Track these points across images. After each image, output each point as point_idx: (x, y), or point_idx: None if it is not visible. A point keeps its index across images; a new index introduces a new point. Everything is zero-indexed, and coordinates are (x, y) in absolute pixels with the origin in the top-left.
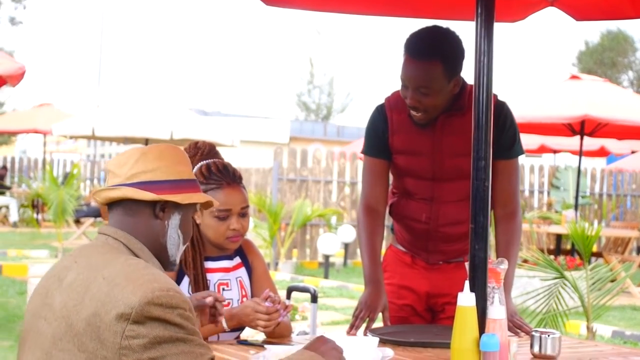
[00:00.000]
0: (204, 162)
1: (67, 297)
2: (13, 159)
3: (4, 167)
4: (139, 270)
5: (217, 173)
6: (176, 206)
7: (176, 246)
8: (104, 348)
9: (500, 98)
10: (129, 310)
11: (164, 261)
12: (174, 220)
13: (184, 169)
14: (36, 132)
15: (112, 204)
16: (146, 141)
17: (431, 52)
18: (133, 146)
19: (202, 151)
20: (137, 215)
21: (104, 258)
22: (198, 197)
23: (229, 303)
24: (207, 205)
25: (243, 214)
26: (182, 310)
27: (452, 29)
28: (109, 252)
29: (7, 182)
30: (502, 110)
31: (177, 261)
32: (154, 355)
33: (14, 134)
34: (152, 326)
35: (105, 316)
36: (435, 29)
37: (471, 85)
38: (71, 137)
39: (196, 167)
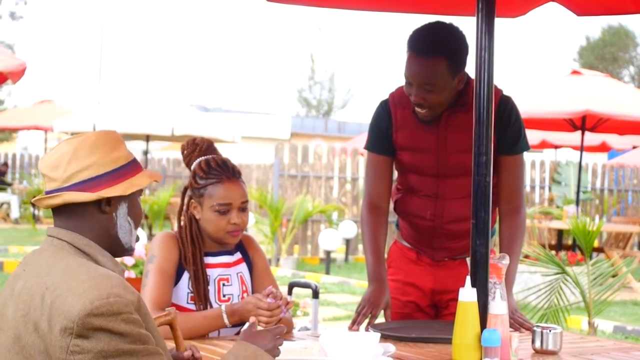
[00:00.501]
0: (203, 157)
1: (16, 307)
2: (14, 156)
3: (5, 164)
4: (78, 277)
5: (217, 168)
6: (121, 196)
7: (128, 233)
8: None
9: (507, 93)
10: (71, 324)
11: (119, 250)
12: (122, 209)
13: (119, 154)
14: (37, 128)
15: (56, 208)
16: (147, 137)
17: (435, 49)
18: (134, 146)
19: (200, 147)
20: (83, 215)
21: (47, 263)
22: (140, 181)
23: (229, 298)
24: (153, 178)
25: (243, 209)
26: (126, 315)
27: (455, 24)
28: (52, 255)
29: (9, 178)
30: (507, 105)
31: (133, 246)
32: None
33: (15, 130)
34: (96, 339)
35: (51, 330)
36: (439, 24)
37: None
38: (72, 134)
39: (195, 163)
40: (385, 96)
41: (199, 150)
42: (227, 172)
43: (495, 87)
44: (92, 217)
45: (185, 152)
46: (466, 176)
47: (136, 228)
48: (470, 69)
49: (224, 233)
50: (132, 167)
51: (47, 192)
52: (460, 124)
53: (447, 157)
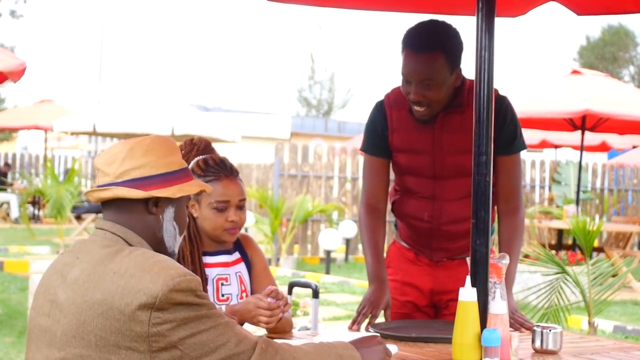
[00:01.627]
0: (201, 156)
1: (74, 293)
2: (14, 155)
3: (7, 164)
4: (149, 259)
5: (215, 166)
6: (169, 199)
7: (173, 238)
8: (129, 339)
9: (501, 93)
10: (152, 299)
11: (162, 253)
12: (169, 213)
13: (173, 160)
14: (37, 128)
15: (105, 203)
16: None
17: (433, 44)
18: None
19: (198, 147)
20: (131, 212)
21: (107, 252)
22: (190, 187)
23: (228, 298)
24: (202, 188)
25: (241, 207)
26: (200, 292)
27: (448, 22)
28: (110, 247)
29: (9, 178)
30: (502, 105)
31: (176, 252)
32: (184, 335)
33: (15, 130)
34: (175, 310)
35: (126, 308)
36: (433, 22)
37: (470, 81)
38: (72, 134)
39: (193, 162)
40: (382, 97)
41: (196, 150)
42: (224, 170)
43: None
44: (140, 215)
45: (182, 152)
46: (463, 177)
47: (180, 234)
48: (470, 68)
49: (222, 231)
50: (184, 174)
51: (99, 186)
52: (456, 125)
53: (443, 159)
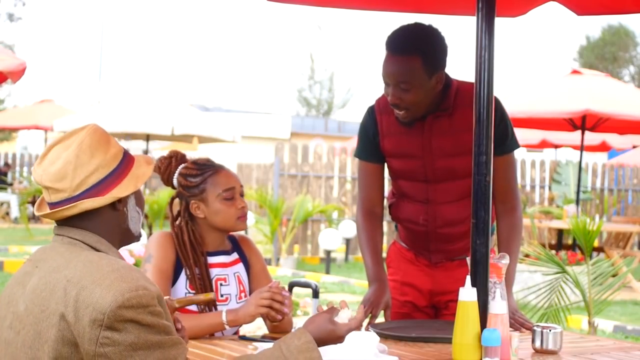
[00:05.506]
0: (183, 164)
1: (32, 303)
2: (14, 155)
3: (7, 164)
4: (102, 269)
5: (206, 162)
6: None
7: (138, 221)
8: (79, 353)
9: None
10: (101, 316)
11: (129, 240)
12: (131, 202)
13: (115, 150)
14: (37, 128)
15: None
16: (147, 137)
17: (410, 47)
18: (135, 145)
19: (175, 157)
20: (96, 216)
21: (63, 257)
22: (143, 171)
23: (227, 298)
24: (149, 163)
25: (242, 194)
26: (153, 307)
27: (434, 25)
28: (67, 252)
29: (9, 177)
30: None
31: (141, 233)
32: None
33: (15, 130)
34: (126, 331)
35: (77, 322)
36: (415, 25)
37: (458, 83)
38: None
39: (179, 170)
40: (373, 102)
41: (175, 161)
42: (215, 164)
43: None
44: (106, 216)
45: (161, 168)
46: (455, 180)
47: (143, 214)
48: (470, 69)
49: (235, 220)
50: (128, 159)
51: (57, 203)
52: (444, 129)
53: (434, 162)
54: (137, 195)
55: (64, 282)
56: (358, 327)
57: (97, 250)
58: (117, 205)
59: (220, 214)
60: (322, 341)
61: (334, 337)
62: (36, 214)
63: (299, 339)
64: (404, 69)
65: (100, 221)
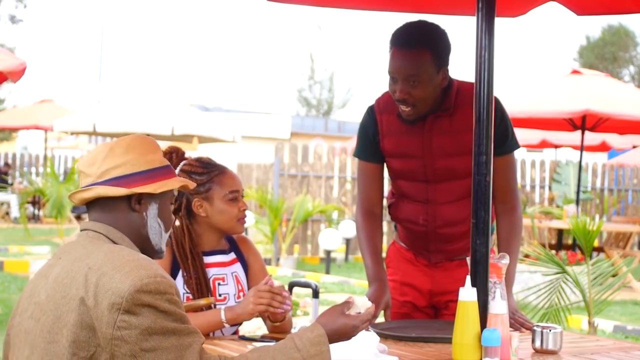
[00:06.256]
0: (185, 160)
1: (53, 290)
2: (14, 155)
3: (7, 164)
4: (123, 257)
5: (210, 162)
6: (152, 196)
7: (159, 235)
8: (97, 337)
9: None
10: (119, 299)
11: (150, 250)
12: (152, 210)
13: (154, 157)
14: (37, 128)
15: (90, 203)
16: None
17: (419, 41)
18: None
19: (176, 153)
20: (114, 210)
21: (86, 249)
22: (172, 183)
23: (225, 298)
24: (185, 188)
25: (243, 196)
26: (170, 295)
27: (437, 23)
28: (90, 244)
29: (9, 178)
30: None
31: (163, 249)
32: (146, 347)
33: (15, 130)
34: (143, 316)
35: (96, 306)
36: (421, 22)
37: (459, 83)
38: (72, 133)
39: (182, 165)
40: (373, 102)
41: (176, 156)
42: (218, 165)
43: None
44: (123, 213)
45: None
46: (455, 180)
47: (166, 231)
48: (470, 69)
49: (235, 221)
50: (165, 171)
51: (82, 187)
52: (445, 129)
53: (434, 162)
54: (162, 207)
55: (86, 269)
56: (370, 318)
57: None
58: (135, 205)
59: (223, 214)
60: (336, 333)
61: (348, 328)
62: (68, 195)
63: (311, 332)
64: (414, 63)
65: (121, 218)
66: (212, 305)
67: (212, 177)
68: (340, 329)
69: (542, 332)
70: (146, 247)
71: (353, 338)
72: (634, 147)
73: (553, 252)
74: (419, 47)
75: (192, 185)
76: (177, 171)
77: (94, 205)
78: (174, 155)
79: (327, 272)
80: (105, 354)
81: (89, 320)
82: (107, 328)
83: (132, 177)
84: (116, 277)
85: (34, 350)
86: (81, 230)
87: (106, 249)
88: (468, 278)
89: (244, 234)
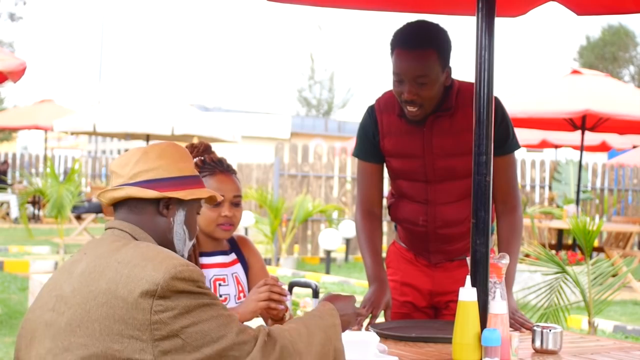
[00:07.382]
0: (200, 157)
1: (80, 284)
2: (14, 155)
3: (5, 162)
4: (153, 250)
5: (211, 162)
6: (180, 202)
7: (183, 241)
8: (132, 327)
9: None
10: (154, 287)
11: None
12: (179, 216)
13: (186, 166)
14: (37, 128)
15: (118, 204)
16: (147, 137)
17: (425, 41)
18: (135, 145)
19: (198, 149)
20: (142, 212)
21: (113, 246)
22: (201, 192)
23: (225, 299)
24: (211, 200)
25: (236, 204)
26: (201, 283)
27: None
28: (116, 241)
29: (9, 177)
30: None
31: (186, 256)
32: (186, 323)
33: (15, 130)
34: (177, 298)
35: (129, 296)
36: (424, 21)
37: (459, 83)
38: (72, 133)
39: None
40: (373, 102)
41: (196, 152)
42: (220, 166)
43: None
44: (151, 217)
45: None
46: (455, 180)
47: (190, 239)
48: (470, 69)
49: (215, 226)
50: (195, 181)
51: (113, 187)
52: (445, 129)
53: (434, 162)
54: (189, 215)
55: (115, 264)
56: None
57: None
58: (163, 210)
59: (203, 216)
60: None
61: (348, 319)
62: (97, 194)
63: (323, 306)
64: (422, 63)
65: (148, 220)
66: None
67: (202, 177)
68: (344, 317)
69: (542, 332)
70: None
71: (353, 338)
72: (634, 147)
73: (553, 252)
74: (425, 47)
75: (219, 197)
76: None
77: (122, 205)
78: (195, 150)
79: (327, 272)
80: (141, 343)
81: (121, 312)
82: (143, 315)
83: (162, 181)
84: (148, 266)
85: (57, 342)
86: (106, 229)
87: (134, 245)
88: (468, 278)
89: (244, 234)
